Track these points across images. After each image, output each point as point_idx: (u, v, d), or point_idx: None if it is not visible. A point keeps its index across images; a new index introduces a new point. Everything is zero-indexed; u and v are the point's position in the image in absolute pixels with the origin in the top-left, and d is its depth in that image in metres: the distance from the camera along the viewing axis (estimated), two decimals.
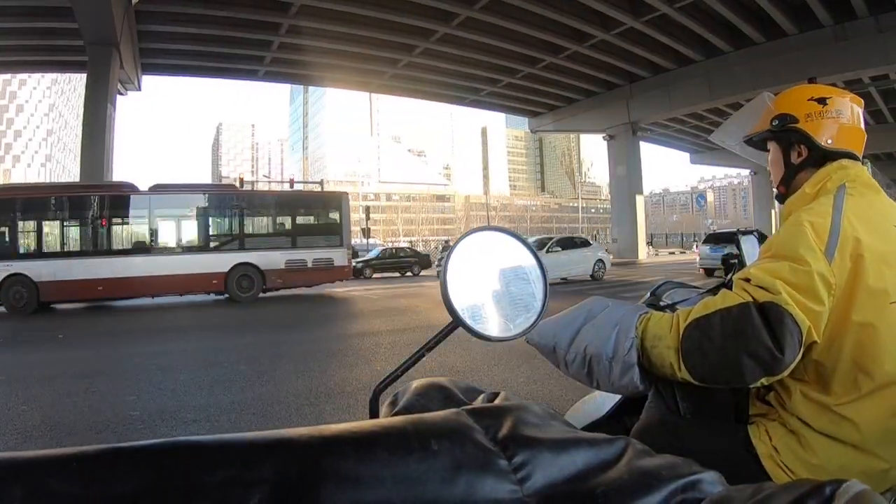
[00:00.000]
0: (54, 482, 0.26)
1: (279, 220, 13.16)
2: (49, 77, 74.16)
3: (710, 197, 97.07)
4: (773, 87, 13.73)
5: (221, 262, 11.92)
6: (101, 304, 11.49)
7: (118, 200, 11.66)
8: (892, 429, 0.85)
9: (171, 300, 11.96)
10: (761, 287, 0.84)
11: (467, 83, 23.23)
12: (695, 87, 20.48)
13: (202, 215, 12.33)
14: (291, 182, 25.33)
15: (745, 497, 0.30)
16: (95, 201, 11.39)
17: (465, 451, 0.32)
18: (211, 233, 12.49)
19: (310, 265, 12.54)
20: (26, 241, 10.94)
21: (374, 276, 19.87)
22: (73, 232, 11.38)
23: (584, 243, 15.43)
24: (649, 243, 30.70)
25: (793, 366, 0.83)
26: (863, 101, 1.05)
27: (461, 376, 2.52)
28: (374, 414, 0.61)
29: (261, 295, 12.15)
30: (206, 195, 12.60)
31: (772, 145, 1.08)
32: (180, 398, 4.05)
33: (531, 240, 13.06)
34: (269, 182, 60.77)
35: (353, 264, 15.79)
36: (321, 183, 25.35)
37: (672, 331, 0.88)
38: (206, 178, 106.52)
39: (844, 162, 0.99)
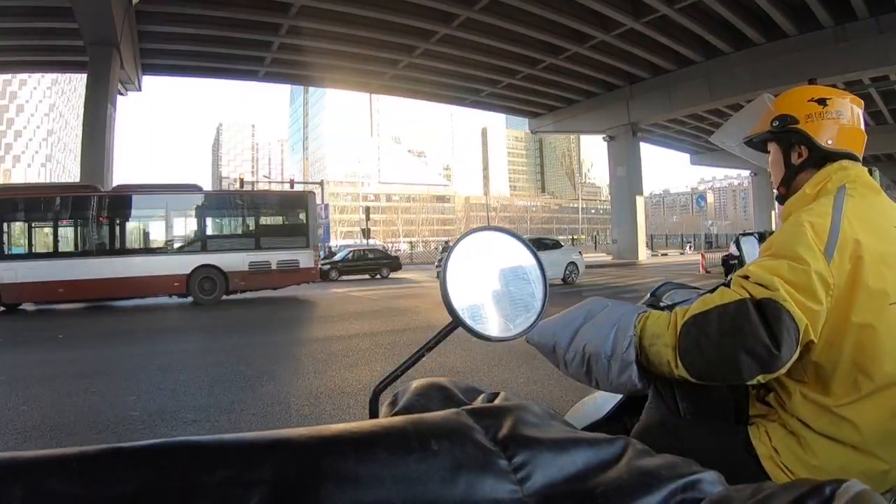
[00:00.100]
0: (54, 482, 0.26)
1: (243, 220, 12.91)
2: (49, 77, 74.29)
3: (710, 198, 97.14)
4: (774, 88, 13.80)
5: (183, 263, 11.69)
6: (101, 305, 11.49)
7: (80, 202, 11.44)
8: (892, 430, 0.85)
9: (153, 302, 11.82)
10: (759, 284, 0.84)
11: (467, 84, 23.25)
12: (695, 88, 20.49)
13: (164, 216, 12.12)
14: (292, 182, 25.44)
15: (744, 497, 0.30)
16: (57, 203, 11.26)
17: (464, 451, 0.32)
18: (173, 234, 12.26)
19: (274, 267, 12.26)
20: None
21: (342, 278, 19.13)
22: (35, 233, 11.21)
23: (555, 245, 15.23)
24: (648, 245, 30.72)
25: (789, 364, 0.83)
26: (863, 102, 1.05)
27: (461, 377, 2.52)
28: (373, 414, 0.62)
29: (260, 295, 12.10)
30: (169, 196, 12.34)
31: (772, 146, 1.08)
32: (180, 398, 4.04)
33: None
34: (270, 182, 60.85)
35: (320, 266, 15.39)
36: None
37: (670, 328, 0.88)
38: (206, 179, 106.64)
39: (845, 163, 0.99)
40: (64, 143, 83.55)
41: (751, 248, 1.31)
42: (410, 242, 51.13)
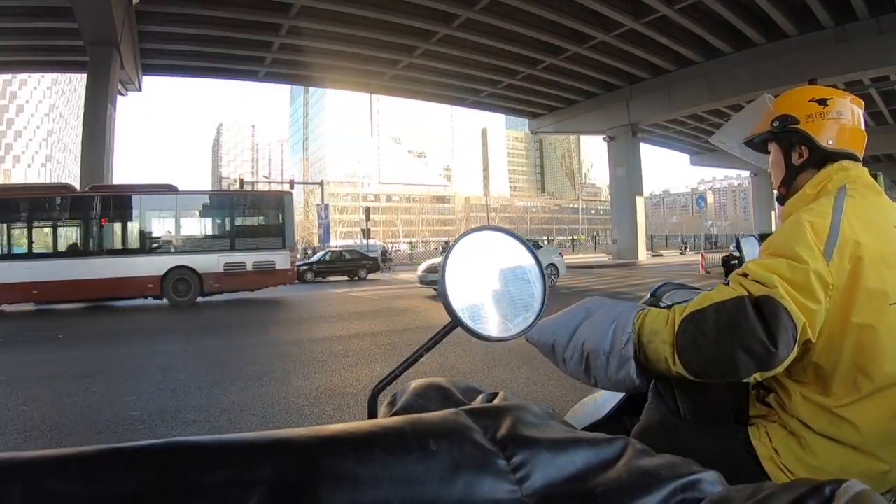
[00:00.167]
0: (54, 482, 0.26)
1: (217, 221, 12.75)
2: (49, 77, 74.31)
3: (710, 198, 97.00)
4: (774, 88, 13.79)
5: (157, 265, 11.53)
6: (101, 305, 11.49)
7: (54, 202, 11.37)
8: (892, 430, 0.85)
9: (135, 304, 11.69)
10: (758, 282, 0.84)
11: (467, 84, 23.25)
12: (695, 89, 20.47)
13: (138, 217, 11.97)
14: (292, 183, 25.51)
15: (744, 497, 0.30)
16: (31, 203, 11.17)
17: (463, 451, 0.32)
18: (147, 235, 12.10)
19: (249, 268, 12.07)
20: None
21: (317, 280, 18.87)
22: (8, 235, 11.09)
23: (535, 246, 15.17)
24: (648, 246, 30.74)
25: (787, 362, 0.82)
26: (863, 102, 1.05)
27: (460, 377, 2.52)
28: (372, 414, 0.61)
29: (269, 295, 12.01)
30: (143, 196, 12.19)
31: (772, 147, 1.08)
32: (180, 398, 4.04)
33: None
34: (269, 183, 60.82)
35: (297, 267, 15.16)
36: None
37: (668, 325, 0.88)
38: (206, 179, 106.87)
39: (845, 163, 0.99)
40: (64, 144, 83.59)
41: (751, 249, 1.32)
42: (410, 243, 51.20)
